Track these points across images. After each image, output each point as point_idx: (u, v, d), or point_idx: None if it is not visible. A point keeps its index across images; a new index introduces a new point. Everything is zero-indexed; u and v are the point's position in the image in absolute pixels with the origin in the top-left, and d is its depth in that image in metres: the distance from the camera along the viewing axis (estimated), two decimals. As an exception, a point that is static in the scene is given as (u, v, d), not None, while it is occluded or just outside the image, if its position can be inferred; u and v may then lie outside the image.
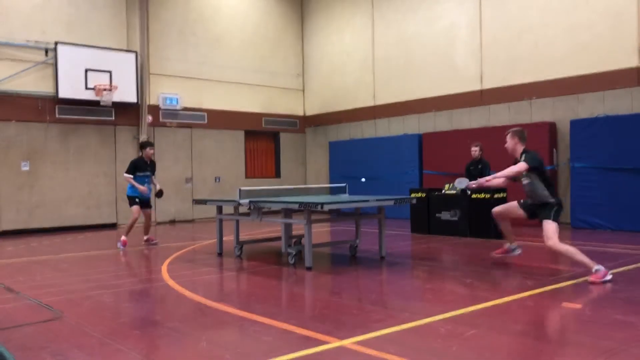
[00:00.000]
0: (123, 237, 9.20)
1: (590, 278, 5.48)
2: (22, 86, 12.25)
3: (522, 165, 5.82)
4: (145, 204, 9.40)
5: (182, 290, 5.59)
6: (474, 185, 6.28)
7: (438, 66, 13.59)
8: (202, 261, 7.64)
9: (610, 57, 10.56)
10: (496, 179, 6.06)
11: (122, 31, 13.77)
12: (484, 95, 12.65)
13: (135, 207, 9.24)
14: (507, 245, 6.74)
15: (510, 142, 6.11)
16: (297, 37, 17.35)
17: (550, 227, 5.79)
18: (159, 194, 9.42)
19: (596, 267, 5.54)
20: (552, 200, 5.93)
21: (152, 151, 9.42)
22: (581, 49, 10.99)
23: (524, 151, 6.03)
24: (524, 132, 6.18)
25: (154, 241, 9.71)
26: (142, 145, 9.56)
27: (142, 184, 9.19)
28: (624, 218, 10.10)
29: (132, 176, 9.15)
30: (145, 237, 9.73)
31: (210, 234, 11.08)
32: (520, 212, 6.26)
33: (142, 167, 9.26)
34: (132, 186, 9.17)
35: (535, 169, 5.87)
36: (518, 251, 6.70)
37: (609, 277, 5.48)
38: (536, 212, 6.06)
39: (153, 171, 9.53)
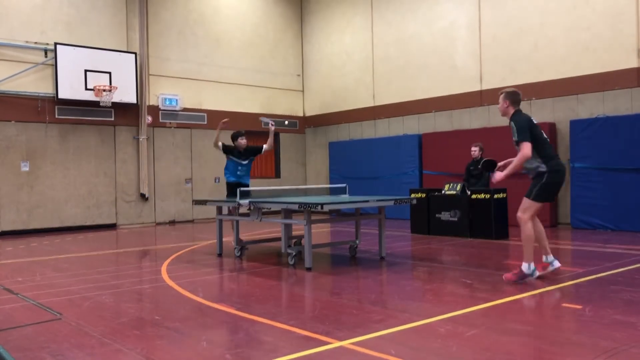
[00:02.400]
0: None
1: (506, 275, 5.57)
2: (21, 87, 12.25)
3: (525, 148, 5.36)
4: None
5: (182, 291, 5.59)
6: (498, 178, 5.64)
7: (438, 66, 13.59)
8: (202, 261, 7.64)
9: (610, 57, 10.56)
10: (514, 168, 5.50)
11: (121, 32, 13.77)
12: (484, 96, 12.65)
13: None
14: (544, 259, 5.88)
15: (501, 103, 5.74)
16: (297, 37, 17.36)
17: (526, 203, 5.53)
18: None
19: (525, 266, 5.47)
20: (543, 169, 5.48)
21: (243, 141, 8.67)
22: (581, 49, 10.99)
23: (514, 114, 5.63)
24: (518, 94, 5.74)
25: None
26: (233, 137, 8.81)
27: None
28: (624, 218, 10.10)
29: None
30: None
31: (210, 234, 11.08)
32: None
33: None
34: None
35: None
36: (557, 263, 5.83)
37: (524, 279, 5.45)
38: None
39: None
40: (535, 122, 5.62)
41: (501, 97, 5.75)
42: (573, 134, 10.74)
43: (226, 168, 8.80)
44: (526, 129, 5.40)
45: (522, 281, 5.47)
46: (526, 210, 5.50)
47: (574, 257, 7.70)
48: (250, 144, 8.88)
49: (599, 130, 10.35)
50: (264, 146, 8.71)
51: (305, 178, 17.44)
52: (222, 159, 15.40)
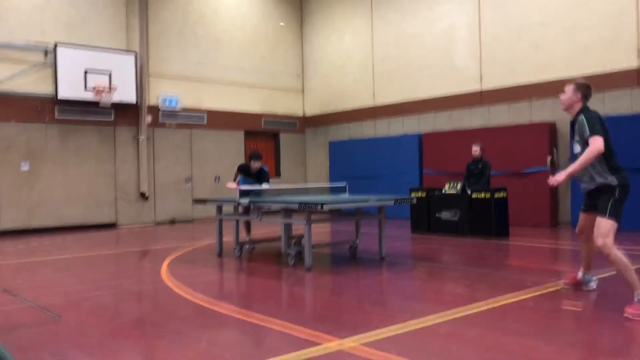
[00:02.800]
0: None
1: (628, 310, 4.23)
2: (21, 87, 12.25)
3: (597, 142, 4.46)
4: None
5: (181, 291, 5.59)
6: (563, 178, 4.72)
7: (438, 66, 13.59)
8: (202, 261, 7.63)
9: (610, 57, 10.55)
10: (580, 165, 4.57)
11: (121, 32, 13.77)
12: (484, 96, 12.64)
13: None
14: (580, 274, 5.17)
15: (570, 95, 4.88)
16: (297, 37, 17.35)
17: (603, 225, 4.59)
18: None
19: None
20: (613, 182, 4.61)
21: (256, 164, 8.46)
22: (581, 50, 10.99)
23: (583, 110, 4.82)
24: (590, 88, 4.94)
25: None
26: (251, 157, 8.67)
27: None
28: (624, 218, 10.02)
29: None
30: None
31: (210, 234, 11.08)
32: (588, 217, 4.91)
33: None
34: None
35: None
36: (593, 284, 5.11)
37: None
38: (594, 200, 4.78)
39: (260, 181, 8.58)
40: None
41: (571, 87, 4.93)
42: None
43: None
44: (599, 124, 4.63)
45: None
46: (608, 234, 4.60)
47: (574, 257, 7.70)
48: (261, 164, 8.60)
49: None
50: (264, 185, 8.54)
51: (305, 178, 17.44)
52: (222, 159, 15.49)
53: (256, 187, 8.24)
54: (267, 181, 8.59)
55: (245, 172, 8.60)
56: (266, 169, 8.81)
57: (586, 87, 4.93)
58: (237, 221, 8.11)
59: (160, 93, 14.36)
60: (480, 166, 9.90)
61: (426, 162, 13.57)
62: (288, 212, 7.21)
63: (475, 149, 9.98)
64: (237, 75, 15.83)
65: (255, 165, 8.46)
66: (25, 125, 12.32)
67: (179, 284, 5.97)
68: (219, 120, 15.42)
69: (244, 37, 16.06)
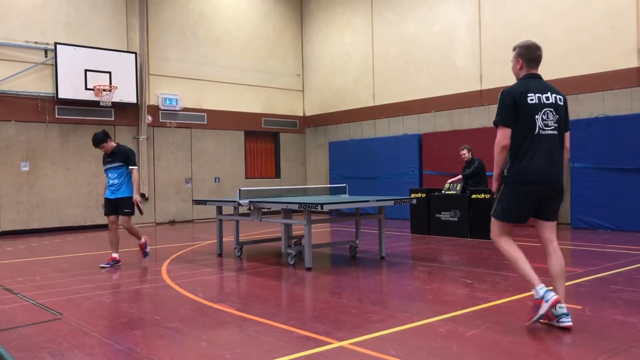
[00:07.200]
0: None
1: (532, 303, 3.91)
2: (21, 86, 12.25)
3: (498, 136, 4.08)
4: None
5: (182, 291, 5.59)
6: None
7: (438, 66, 13.59)
8: (202, 262, 7.63)
9: (610, 57, 10.56)
10: (494, 167, 4.15)
11: (121, 31, 13.77)
12: (484, 96, 12.65)
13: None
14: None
15: (512, 63, 4.19)
16: (297, 37, 17.35)
17: (492, 222, 4.16)
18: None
19: (539, 289, 3.82)
20: (505, 172, 4.06)
21: (105, 147, 7.36)
22: (581, 50, 10.99)
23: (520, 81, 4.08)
24: (533, 49, 4.05)
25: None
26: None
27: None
28: (624, 218, 10.09)
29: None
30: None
31: (210, 234, 11.08)
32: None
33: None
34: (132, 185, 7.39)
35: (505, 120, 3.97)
36: (566, 322, 3.86)
37: (545, 309, 3.76)
38: None
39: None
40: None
41: (513, 54, 4.19)
42: (573, 134, 10.70)
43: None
44: (505, 106, 4.24)
45: (539, 317, 3.90)
46: (494, 229, 4.20)
47: (574, 257, 7.70)
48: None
49: (599, 130, 10.34)
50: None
51: (305, 178, 17.44)
52: (222, 159, 15.50)
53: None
54: (128, 158, 7.29)
55: (103, 160, 7.49)
56: (126, 148, 7.46)
57: (527, 48, 4.06)
58: (237, 222, 8.11)
59: (160, 93, 14.36)
60: (473, 167, 9.97)
61: (426, 162, 13.57)
62: (288, 212, 7.22)
63: (464, 153, 10.09)
64: (237, 75, 15.83)
65: (105, 148, 7.30)
66: (25, 125, 12.32)
67: (179, 283, 5.97)
68: (219, 120, 15.42)
69: (244, 37, 16.06)
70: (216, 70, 15.43)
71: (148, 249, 7.80)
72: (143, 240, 7.71)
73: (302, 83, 17.45)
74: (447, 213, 10.00)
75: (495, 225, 4.15)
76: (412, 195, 10.24)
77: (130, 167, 7.32)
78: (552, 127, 3.97)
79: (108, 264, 7.23)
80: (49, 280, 6.35)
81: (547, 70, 11.42)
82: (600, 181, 10.33)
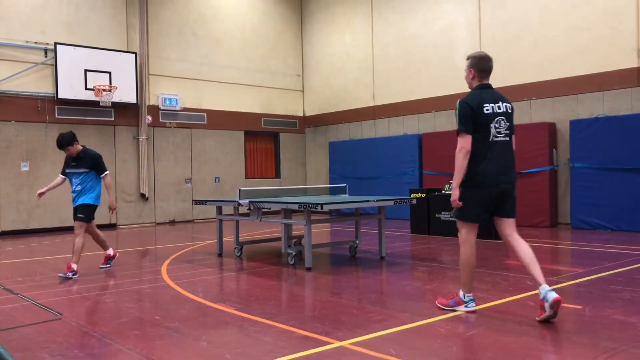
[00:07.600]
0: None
1: (441, 299, 4.57)
2: (21, 86, 12.25)
3: (462, 143, 4.22)
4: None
5: (182, 291, 5.59)
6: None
7: (438, 66, 13.59)
8: (202, 262, 7.64)
9: (610, 57, 10.56)
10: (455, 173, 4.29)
11: (121, 32, 13.77)
12: (484, 96, 12.63)
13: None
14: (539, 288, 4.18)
15: (465, 73, 4.69)
16: (297, 37, 17.35)
17: (459, 225, 4.43)
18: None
19: (467, 297, 4.42)
20: (464, 177, 4.25)
21: (69, 150, 6.92)
22: (581, 49, 10.99)
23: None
24: (485, 60, 4.68)
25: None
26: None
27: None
28: (624, 218, 10.09)
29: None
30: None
31: (210, 234, 11.08)
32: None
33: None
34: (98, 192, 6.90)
35: (466, 130, 4.19)
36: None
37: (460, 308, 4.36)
38: None
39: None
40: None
41: (466, 65, 4.83)
42: (573, 134, 10.74)
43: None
44: (465, 115, 4.45)
45: (448, 308, 4.48)
46: (461, 233, 4.45)
47: (574, 257, 7.70)
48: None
49: (599, 130, 10.34)
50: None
51: (305, 178, 17.44)
52: (222, 159, 15.50)
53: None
54: (98, 165, 6.84)
55: (66, 163, 7.09)
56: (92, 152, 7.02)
57: (479, 59, 4.55)
58: (237, 221, 8.11)
59: (160, 93, 14.36)
60: None
61: (426, 163, 13.57)
62: (288, 212, 7.22)
63: None
64: (237, 75, 15.83)
65: (70, 151, 6.84)
66: (25, 125, 12.32)
67: (179, 283, 5.97)
68: (219, 120, 15.42)
69: (244, 37, 16.06)
70: (216, 70, 15.43)
71: (110, 265, 7.15)
72: (111, 252, 7.21)
73: (302, 83, 17.45)
74: (447, 213, 10.00)
75: (462, 227, 4.42)
76: (412, 195, 10.24)
77: (102, 174, 6.82)
78: (504, 134, 4.37)
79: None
80: (49, 280, 6.35)
81: (547, 70, 11.50)
82: (600, 181, 10.33)
